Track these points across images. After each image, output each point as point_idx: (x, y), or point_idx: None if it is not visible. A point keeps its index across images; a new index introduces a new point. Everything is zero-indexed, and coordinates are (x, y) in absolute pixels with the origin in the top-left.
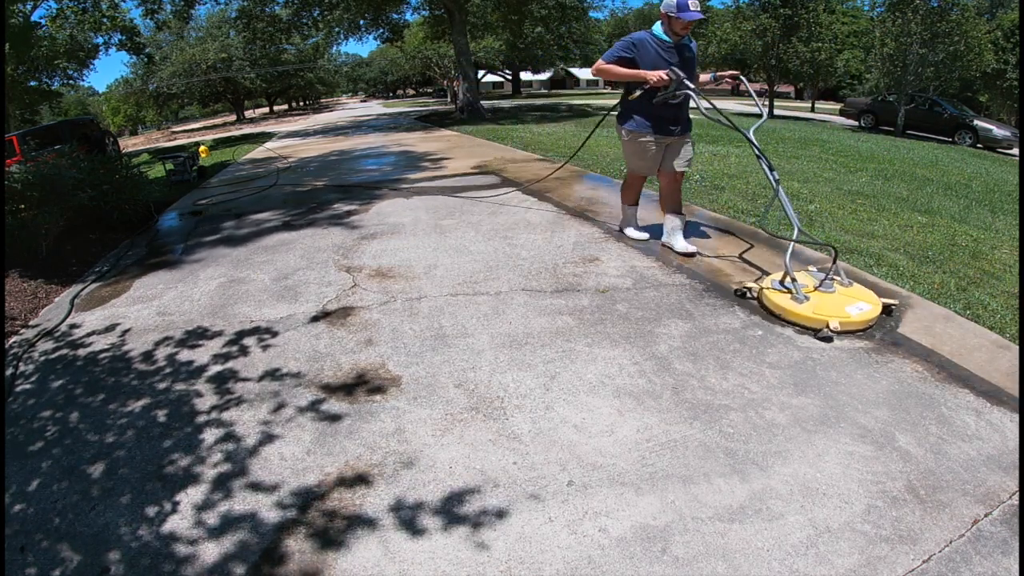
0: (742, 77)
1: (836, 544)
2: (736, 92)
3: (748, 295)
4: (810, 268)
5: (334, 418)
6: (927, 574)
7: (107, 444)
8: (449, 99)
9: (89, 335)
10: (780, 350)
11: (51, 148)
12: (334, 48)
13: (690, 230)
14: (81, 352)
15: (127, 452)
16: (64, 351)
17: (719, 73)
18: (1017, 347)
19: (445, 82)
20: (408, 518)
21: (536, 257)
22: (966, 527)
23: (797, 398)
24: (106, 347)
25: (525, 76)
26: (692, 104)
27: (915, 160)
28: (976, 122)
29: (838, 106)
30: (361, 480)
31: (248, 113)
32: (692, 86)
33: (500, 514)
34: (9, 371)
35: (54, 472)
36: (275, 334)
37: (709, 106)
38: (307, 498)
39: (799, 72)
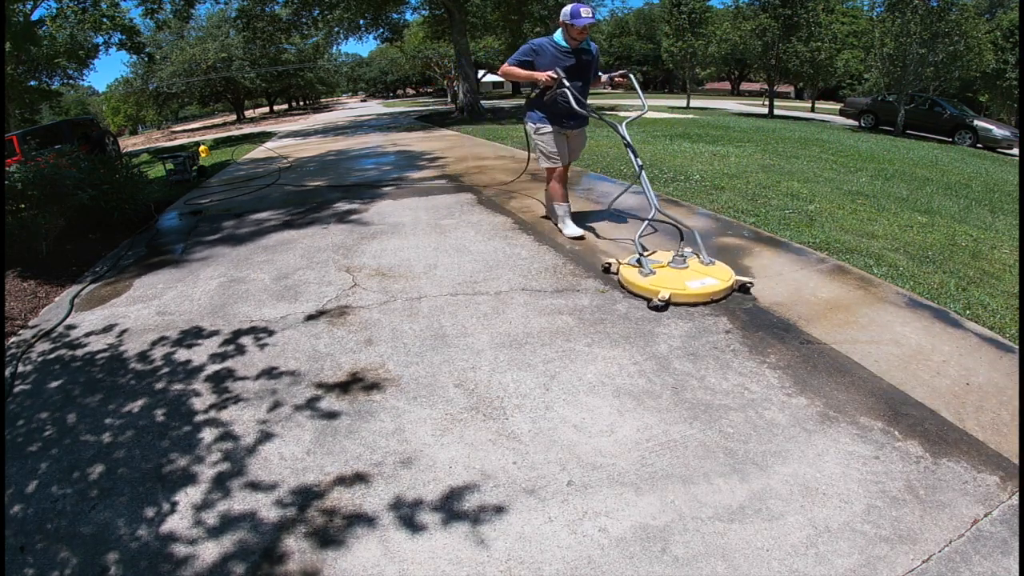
0: (631, 75)
1: (836, 544)
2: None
3: (610, 270)
4: (686, 250)
5: (334, 417)
6: (927, 574)
7: (106, 444)
8: (449, 99)
9: (88, 335)
10: (778, 352)
11: (51, 148)
12: (334, 48)
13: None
14: (80, 352)
15: (126, 452)
16: (63, 351)
17: (611, 74)
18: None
19: (445, 81)
20: (408, 517)
21: (536, 256)
22: (966, 527)
23: (795, 398)
24: (105, 347)
25: None
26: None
27: (915, 160)
28: (976, 122)
29: (838, 106)
30: (360, 479)
31: (248, 113)
32: (568, 85)
33: (500, 514)
34: (8, 371)
35: (53, 472)
36: (275, 333)
37: (578, 100)
38: (306, 497)
39: (799, 72)
